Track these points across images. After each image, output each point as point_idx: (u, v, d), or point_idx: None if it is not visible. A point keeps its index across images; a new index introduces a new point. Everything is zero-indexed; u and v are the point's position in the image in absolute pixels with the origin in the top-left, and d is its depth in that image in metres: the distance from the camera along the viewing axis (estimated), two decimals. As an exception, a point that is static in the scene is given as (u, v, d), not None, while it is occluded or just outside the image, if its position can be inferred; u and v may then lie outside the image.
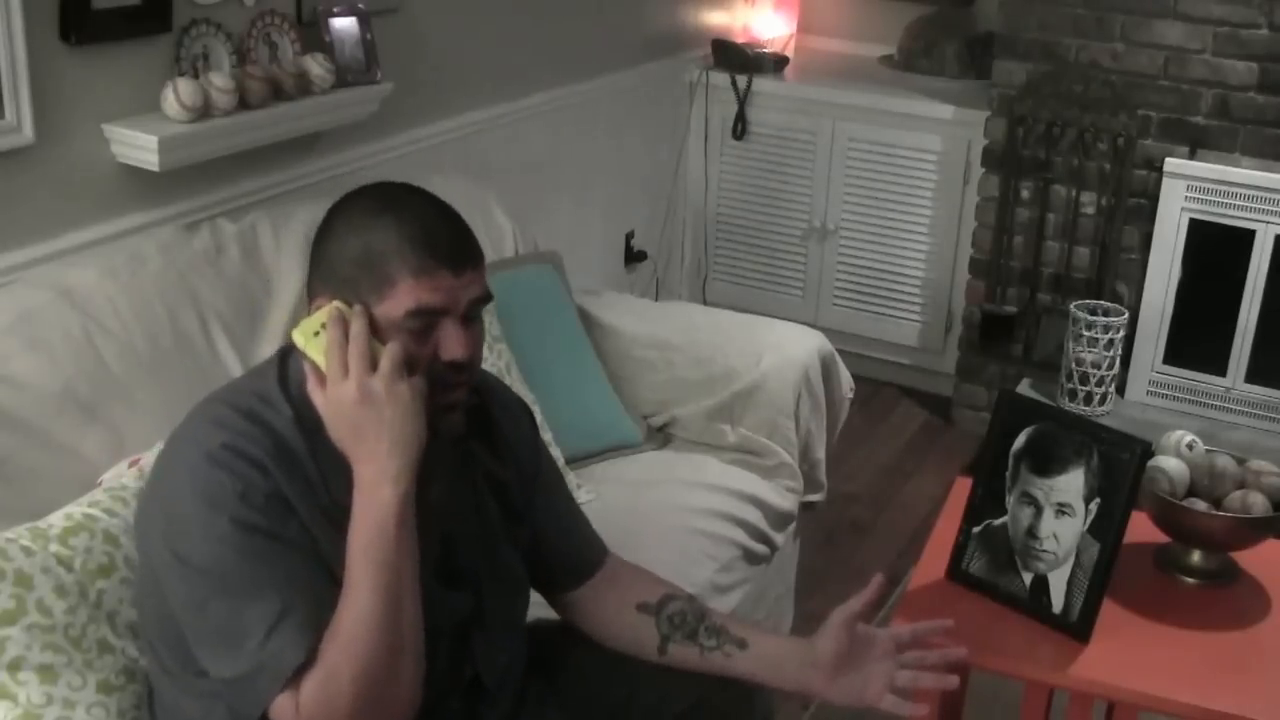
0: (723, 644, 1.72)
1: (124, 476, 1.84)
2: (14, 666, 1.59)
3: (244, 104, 2.40)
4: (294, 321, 2.32)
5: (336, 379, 1.46)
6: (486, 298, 1.54)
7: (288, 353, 1.58)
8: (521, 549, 1.73)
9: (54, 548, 1.67)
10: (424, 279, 1.47)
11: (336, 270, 1.50)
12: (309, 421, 1.50)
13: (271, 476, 1.45)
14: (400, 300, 1.47)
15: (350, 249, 1.50)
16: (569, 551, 1.79)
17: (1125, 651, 1.93)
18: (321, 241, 1.54)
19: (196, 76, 2.37)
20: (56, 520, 1.72)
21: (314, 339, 1.49)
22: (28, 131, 2.15)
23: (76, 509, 1.75)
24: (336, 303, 1.50)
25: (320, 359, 1.48)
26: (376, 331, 1.49)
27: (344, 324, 1.48)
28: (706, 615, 1.75)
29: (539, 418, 2.15)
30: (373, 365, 1.46)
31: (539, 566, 1.77)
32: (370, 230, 1.49)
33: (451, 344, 1.51)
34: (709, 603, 2.28)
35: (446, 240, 1.50)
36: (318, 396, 1.49)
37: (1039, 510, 1.97)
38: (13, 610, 1.60)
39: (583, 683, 1.78)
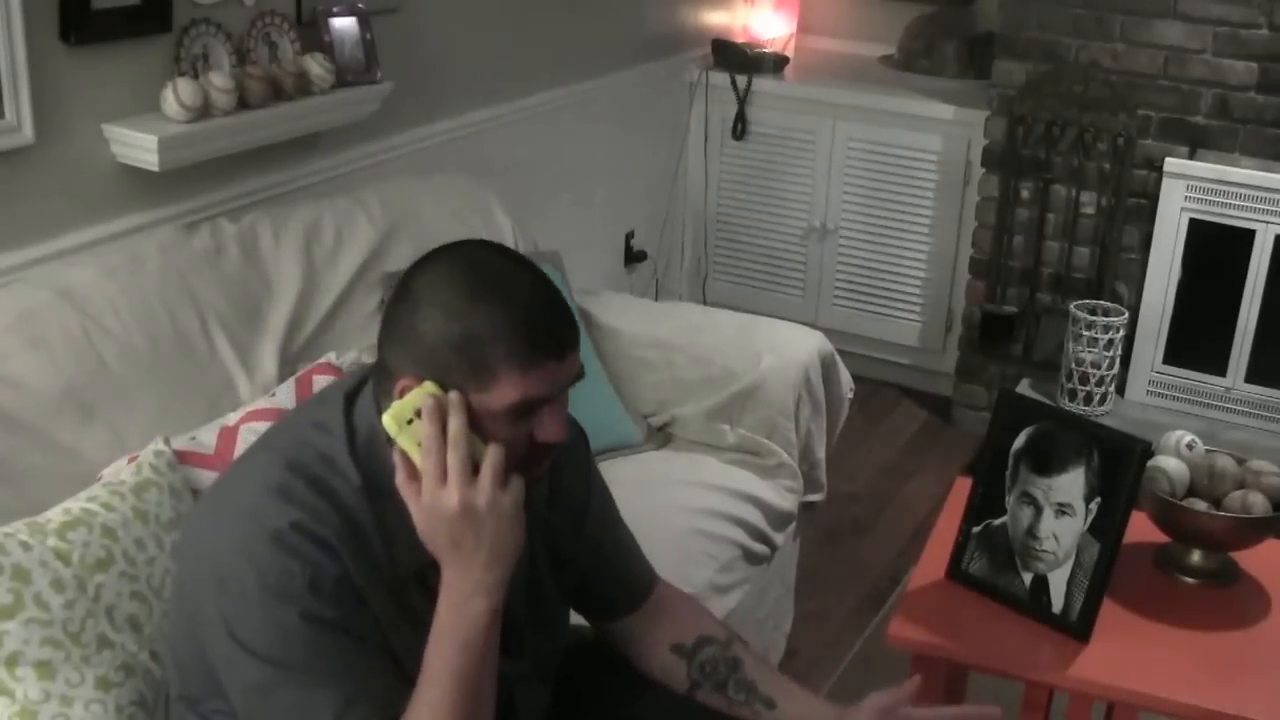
0: (750, 700, 1.68)
1: (122, 472, 1.84)
2: (11, 662, 1.59)
3: (244, 104, 2.40)
4: (294, 322, 2.33)
5: (435, 483, 1.38)
6: (582, 374, 1.46)
7: (353, 397, 1.49)
8: (566, 586, 1.69)
9: (52, 542, 1.67)
10: (532, 372, 1.38)
11: (432, 354, 1.39)
12: (375, 487, 1.44)
13: (340, 559, 1.39)
14: (504, 394, 1.38)
15: (448, 334, 1.38)
16: (614, 584, 1.75)
17: (1125, 651, 1.93)
18: (406, 314, 1.41)
19: (196, 76, 2.37)
20: (54, 515, 1.72)
21: (407, 428, 1.38)
22: (27, 131, 2.15)
23: (75, 504, 1.75)
24: (431, 388, 1.39)
25: (415, 453, 1.39)
26: (472, 419, 1.39)
27: (441, 415, 1.38)
28: (738, 667, 1.70)
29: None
30: (472, 464, 1.39)
31: (583, 595, 1.73)
32: (471, 317, 1.38)
33: (550, 428, 1.43)
34: (708, 604, 2.29)
35: (553, 328, 1.41)
36: (408, 492, 1.40)
37: (1039, 510, 1.97)
38: (10, 605, 1.60)
39: (611, 711, 1.76)
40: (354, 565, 1.40)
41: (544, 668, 1.67)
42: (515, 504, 1.41)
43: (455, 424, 1.38)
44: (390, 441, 1.41)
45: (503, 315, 1.38)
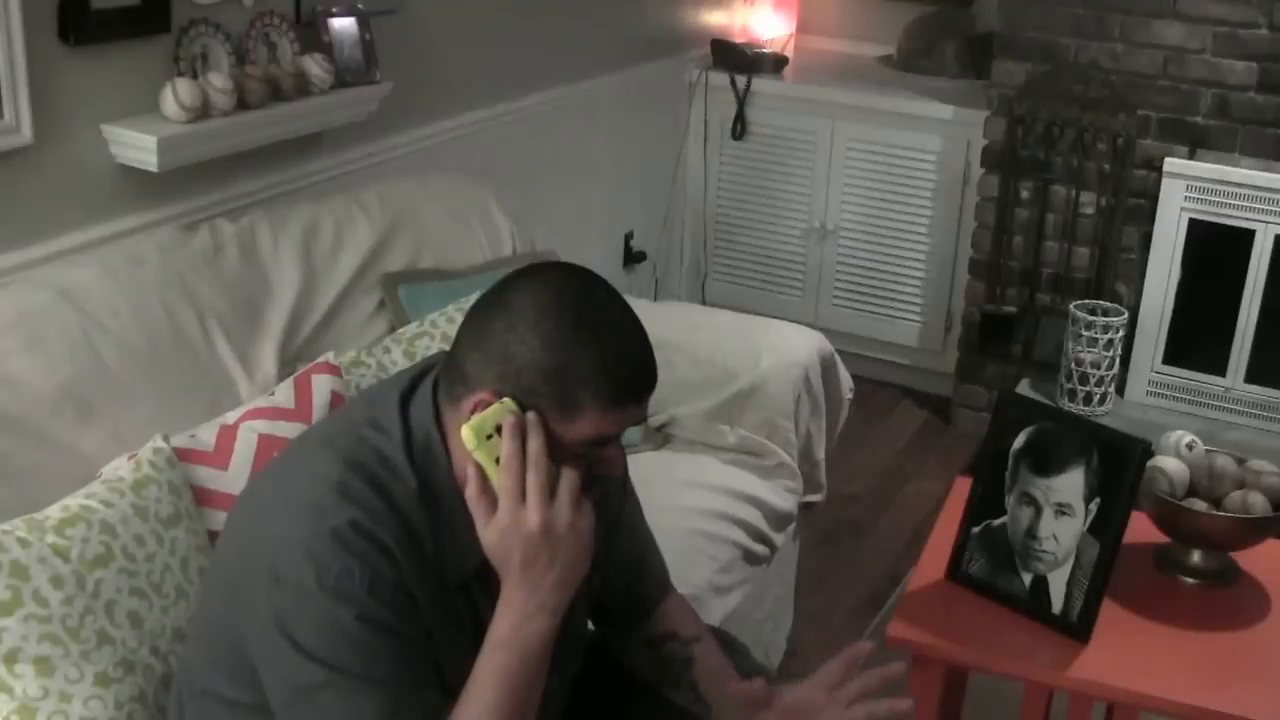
0: (695, 702, 1.70)
1: (121, 469, 1.84)
2: (10, 659, 1.58)
3: (243, 104, 2.40)
4: (292, 322, 2.33)
5: (514, 501, 1.38)
6: (645, 416, 1.49)
7: (408, 398, 1.48)
8: (591, 594, 1.67)
9: (50, 538, 1.67)
10: (614, 412, 1.40)
11: (519, 375, 1.38)
12: (431, 493, 1.43)
13: (398, 564, 1.38)
14: (582, 428, 1.40)
15: (542, 363, 1.38)
16: (626, 593, 1.75)
17: (1125, 651, 1.93)
18: (500, 329, 1.40)
19: (195, 77, 2.37)
20: (53, 512, 1.72)
21: (485, 443, 1.38)
22: (26, 132, 2.15)
23: (73, 500, 1.75)
24: (511, 405, 1.39)
25: (492, 469, 1.39)
26: (548, 444, 1.40)
27: (521, 434, 1.38)
28: (690, 667, 1.71)
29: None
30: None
31: (598, 604, 1.73)
32: (569, 352, 1.38)
33: (613, 464, 1.46)
34: (708, 604, 2.29)
35: (642, 374, 1.43)
36: (479, 507, 1.40)
37: (1039, 510, 1.97)
38: (8, 602, 1.60)
39: (616, 711, 1.76)
40: (409, 570, 1.39)
41: (565, 677, 1.66)
42: (590, 529, 1.42)
43: (535, 444, 1.38)
44: (447, 453, 1.41)
45: (600, 358, 1.38)
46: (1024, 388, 3.89)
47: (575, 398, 1.38)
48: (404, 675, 1.38)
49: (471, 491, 1.40)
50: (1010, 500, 2.00)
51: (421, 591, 1.41)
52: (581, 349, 1.38)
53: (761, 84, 4.28)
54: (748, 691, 1.62)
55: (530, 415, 1.39)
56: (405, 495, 1.42)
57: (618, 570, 1.71)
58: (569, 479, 1.40)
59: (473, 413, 1.40)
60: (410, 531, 1.41)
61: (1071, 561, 1.94)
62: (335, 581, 1.35)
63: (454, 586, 1.45)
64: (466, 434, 1.39)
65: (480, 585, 1.45)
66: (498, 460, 1.38)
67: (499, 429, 1.38)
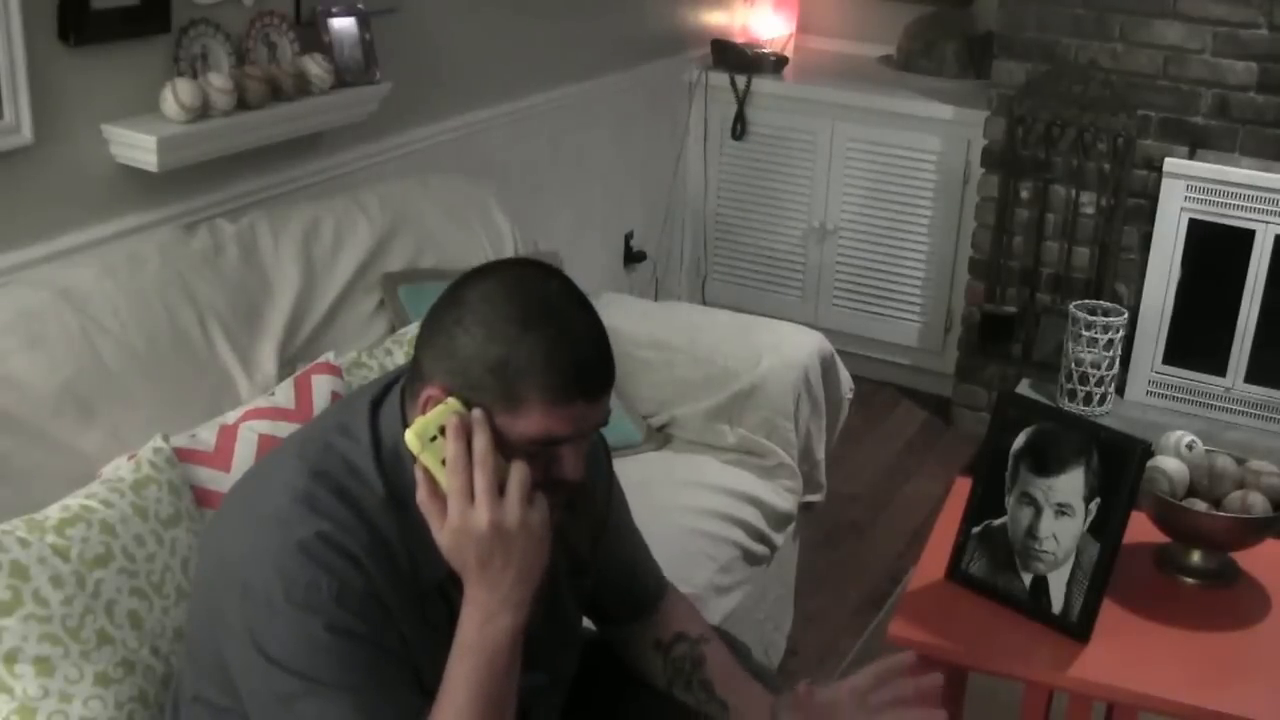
0: (709, 701, 1.69)
1: (121, 469, 1.84)
2: (10, 659, 1.59)
3: (243, 104, 2.40)
4: (292, 322, 2.33)
5: (462, 502, 1.37)
6: (607, 419, 1.45)
7: (379, 404, 1.47)
8: (582, 594, 1.68)
9: (50, 538, 1.67)
10: (560, 409, 1.37)
11: (465, 370, 1.37)
12: (399, 498, 1.42)
13: (367, 573, 1.38)
14: (528, 424, 1.37)
15: (485, 354, 1.36)
16: (625, 594, 1.75)
17: (1125, 651, 1.93)
18: (450, 322, 1.39)
19: (195, 77, 2.37)
20: (53, 512, 1.72)
21: (430, 445, 1.36)
22: (26, 132, 2.15)
23: (73, 500, 1.75)
24: (455, 405, 1.37)
25: (438, 471, 1.37)
26: (494, 439, 1.38)
27: (465, 433, 1.37)
28: (701, 666, 1.70)
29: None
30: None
31: (593, 601, 1.73)
32: (514, 344, 1.36)
33: (569, 467, 1.43)
34: (708, 604, 2.29)
35: (591, 370, 1.40)
36: (430, 510, 1.38)
37: (1039, 510, 1.97)
38: (8, 602, 1.60)
39: (617, 710, 1.76)
40: (379, 578, 1.39)
41: (559, 678, 1.66)
42: (543, 522, 1.40)
43: (481, 442, 1.37)
44: (413, 458, 1.40)
45: (545, 350, 1.36)
46: (1024, 388, 3.89)
47: (518, 392, 1.36)
48: (379, 683, 1.38)
49: (421, 496, 1.39)
50: (1010, 500, 2.00)
51: (395, 598, 1.40)
52: (525, 343, 1.36)
53: (761, 84, 4.28)
54: (796, 694, 1.62)
55: (476, 412, 1.37)
56: (374, 503, 1.41)
57: (612, 570, 1.71)
58: (518, 473, 1.38)
59: (424, 410, 1.39)
60: (379, 539, 1.40)
61: (1071, 561, 1.94)
62: (303, 594, 1.35)
63: (428, 590, 1.45)
64: (409, 438, 1.37)
65: (455, 587, 1.43)
66: (444, 462, 1.37)
67: (443, 430, 1.37)
